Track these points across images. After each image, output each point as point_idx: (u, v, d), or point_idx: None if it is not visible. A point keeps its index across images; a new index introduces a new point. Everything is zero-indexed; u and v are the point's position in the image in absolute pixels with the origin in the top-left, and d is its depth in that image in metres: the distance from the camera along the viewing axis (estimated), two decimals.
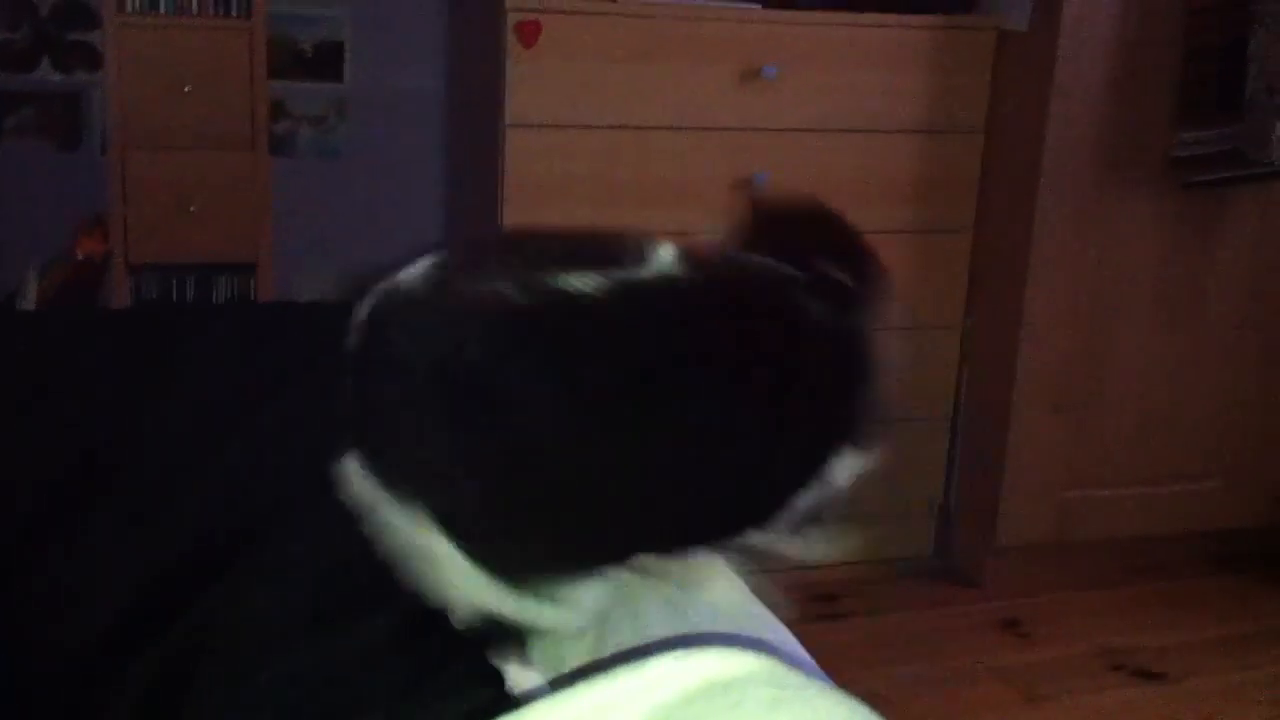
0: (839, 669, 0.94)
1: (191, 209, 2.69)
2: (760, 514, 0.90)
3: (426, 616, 1.15)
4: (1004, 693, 2.47)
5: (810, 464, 0.92)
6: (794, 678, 0.58)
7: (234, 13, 2.66)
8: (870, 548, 2.94)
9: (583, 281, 0.81)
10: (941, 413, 2.91)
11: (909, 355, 2.83)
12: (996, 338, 2.79)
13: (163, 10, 2.63)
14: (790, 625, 1.04)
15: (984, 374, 2.86)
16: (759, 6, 2.59)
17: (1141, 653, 2.62)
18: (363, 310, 0.89)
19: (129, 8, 2.60)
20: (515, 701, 0.58)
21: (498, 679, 1.01)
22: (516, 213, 2.51)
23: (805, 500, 0.91)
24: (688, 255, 0.89)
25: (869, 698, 0.60)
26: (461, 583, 0.82)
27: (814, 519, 0.94)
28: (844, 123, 2.67)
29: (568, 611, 0.80)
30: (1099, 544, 2.92)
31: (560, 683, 0.56)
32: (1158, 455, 2.89)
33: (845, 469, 0.93)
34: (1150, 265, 2.77)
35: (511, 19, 2.44)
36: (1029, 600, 2.81)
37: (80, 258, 2.66)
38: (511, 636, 0.85)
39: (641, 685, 0.56)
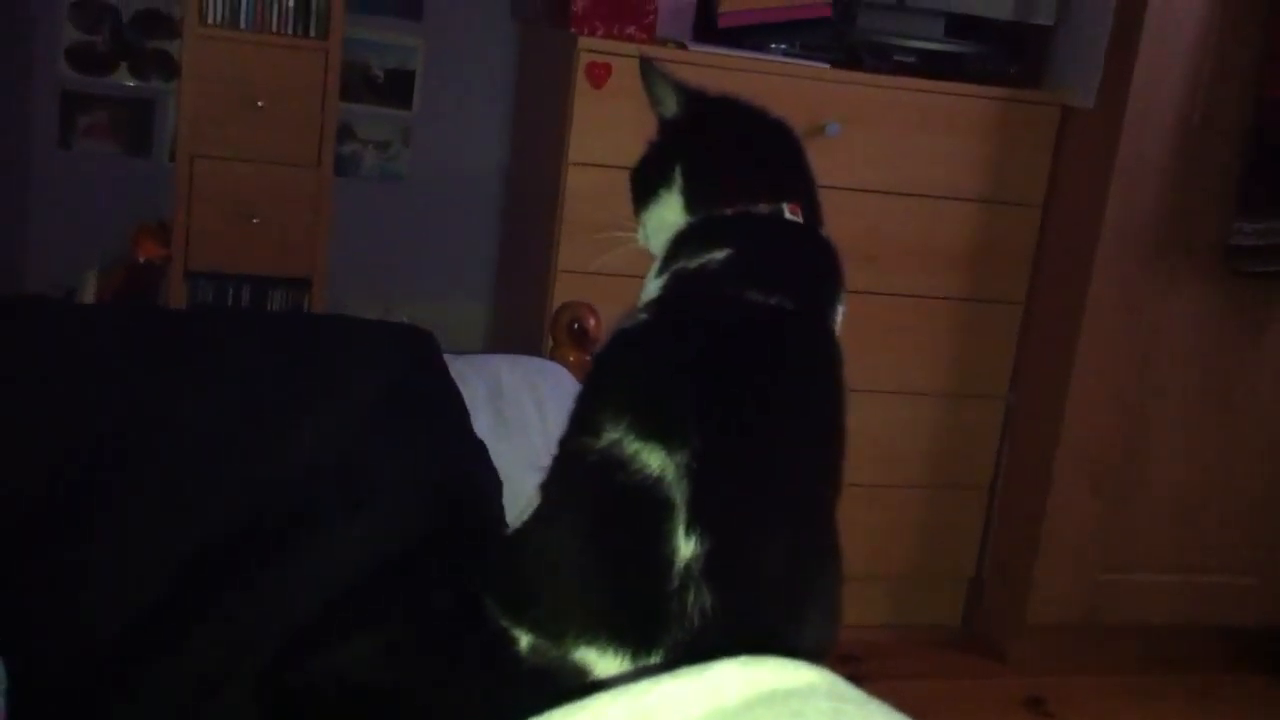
0: None
1: (254, 221, 2.73)
2: None
3: (457, 610, 1.16)
4: None
5: None
6: (854, 692, 0.59)
7: (311, 34, 2.71)
8: (898, 611, 2.92)
9: None
10: (979, 483, 2.89)
11: (950, 422, 2.82)
12: (1040, 413, 2.78)
13: (243, 25, 2.68)
14: None
15: (1025, 448, 2.84)
16: (828, 66, 2.62)
17: None
18: None
19: (210, 20, 2.65)
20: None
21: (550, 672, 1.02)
22: (571, 250, 2.53)
23: None
24: None
25: None
26: None
27: None
28: (903, 186, 2.68)
29: None
30: (1129, 629, 2.89)
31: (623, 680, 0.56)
32: (1194, 546, 2.86)
33: None
34: (1199, 354, 2.75)
35: (583, 59, 2.47)
36: (1055, 680, 2.78)
37: (140, 260, 2.70)
38: None
39: (703, 688, 0.56)
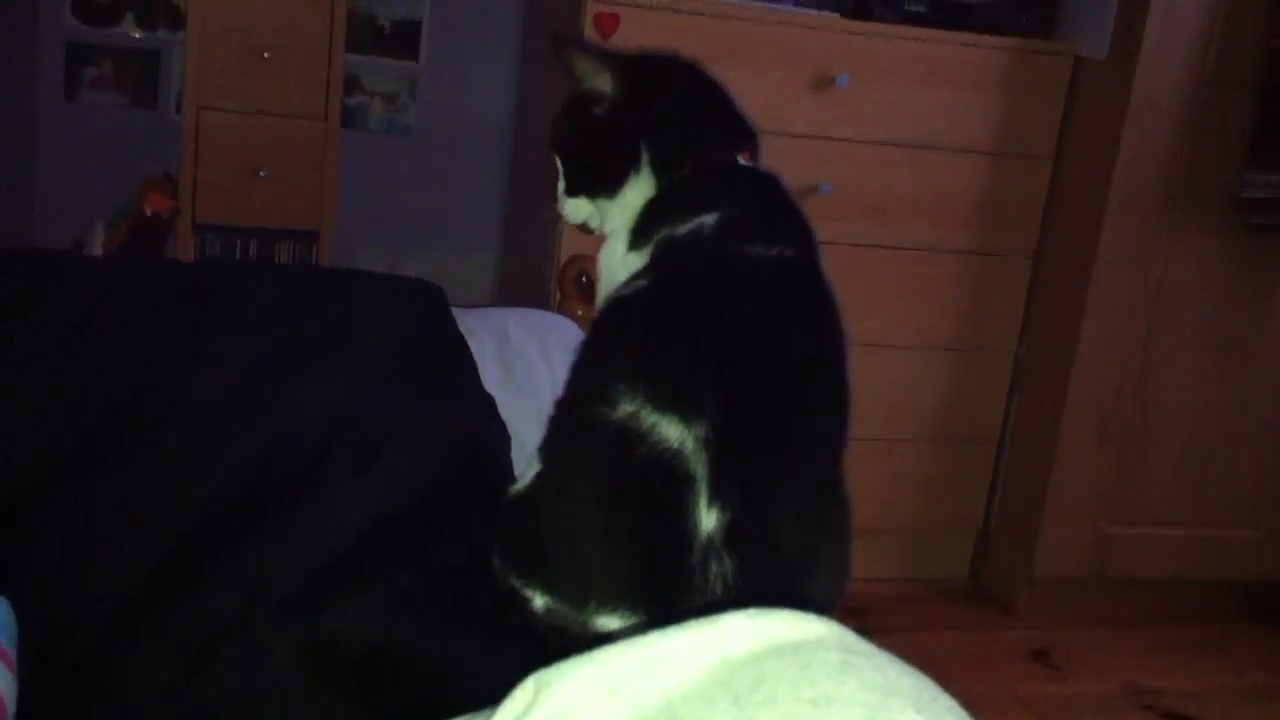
0: None
1: (260, 173, 2.72)
2: None
3: (469, 565, 1.17)
4: None
5: None
6: (863, 645, 0.59)
7: None
8: (906, 564, 2.93)
9: None
10: (988, 436, 2.89)
11: (960, 376, 2.82)
12: (1049, 366, 2.78)
13: None
14: None
15: (1033, 402, 2.84)
16: (838, 15, 2.59)
17: (1171, 695, 2.59)
18: None
19: None
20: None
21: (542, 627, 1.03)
22: None
23: None
24: None
25: None
26: None
27: None
28: (912, 138, 2.66)
29: None
30: (1135, 582, 2.90)
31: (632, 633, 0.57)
32: (1201, 499, 2.87)
33: None
34: (1208, 307, 2.74)
35: (591, 9, 2.45)
36: (1061, 632, 2.79)
37: (148, 213, 2.69)
38: None
39: (712, 639, 0.57)
